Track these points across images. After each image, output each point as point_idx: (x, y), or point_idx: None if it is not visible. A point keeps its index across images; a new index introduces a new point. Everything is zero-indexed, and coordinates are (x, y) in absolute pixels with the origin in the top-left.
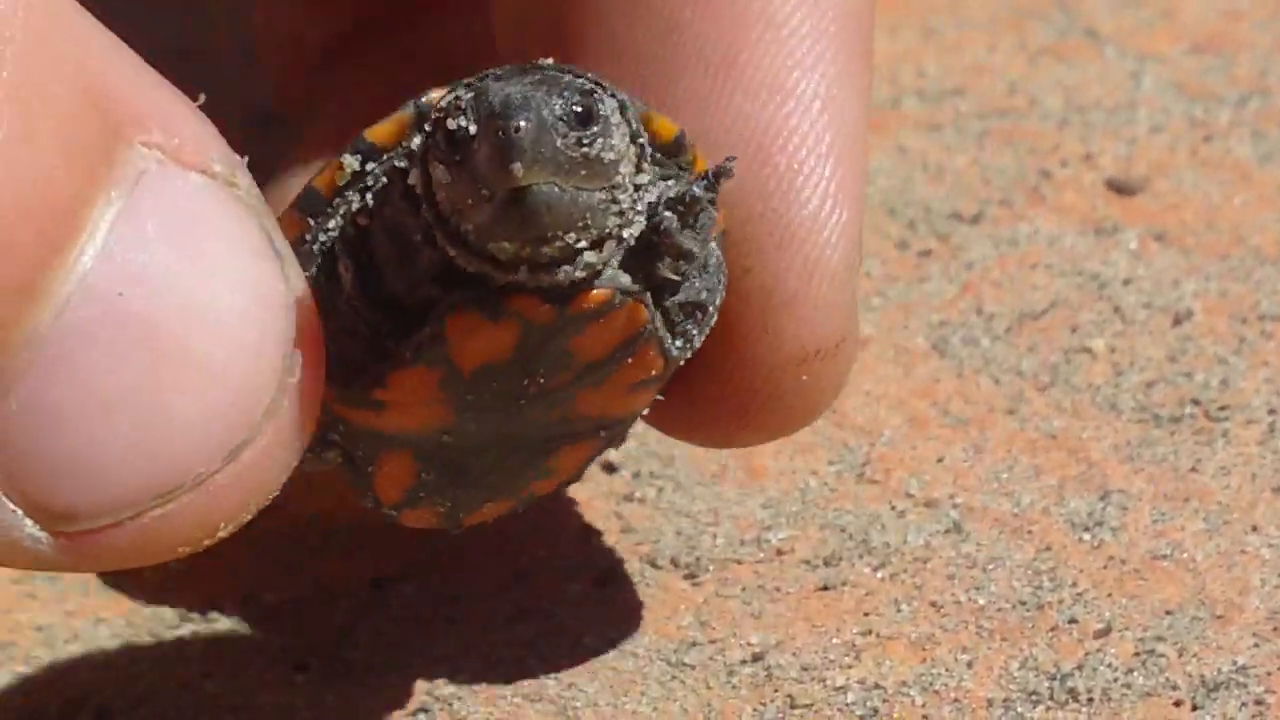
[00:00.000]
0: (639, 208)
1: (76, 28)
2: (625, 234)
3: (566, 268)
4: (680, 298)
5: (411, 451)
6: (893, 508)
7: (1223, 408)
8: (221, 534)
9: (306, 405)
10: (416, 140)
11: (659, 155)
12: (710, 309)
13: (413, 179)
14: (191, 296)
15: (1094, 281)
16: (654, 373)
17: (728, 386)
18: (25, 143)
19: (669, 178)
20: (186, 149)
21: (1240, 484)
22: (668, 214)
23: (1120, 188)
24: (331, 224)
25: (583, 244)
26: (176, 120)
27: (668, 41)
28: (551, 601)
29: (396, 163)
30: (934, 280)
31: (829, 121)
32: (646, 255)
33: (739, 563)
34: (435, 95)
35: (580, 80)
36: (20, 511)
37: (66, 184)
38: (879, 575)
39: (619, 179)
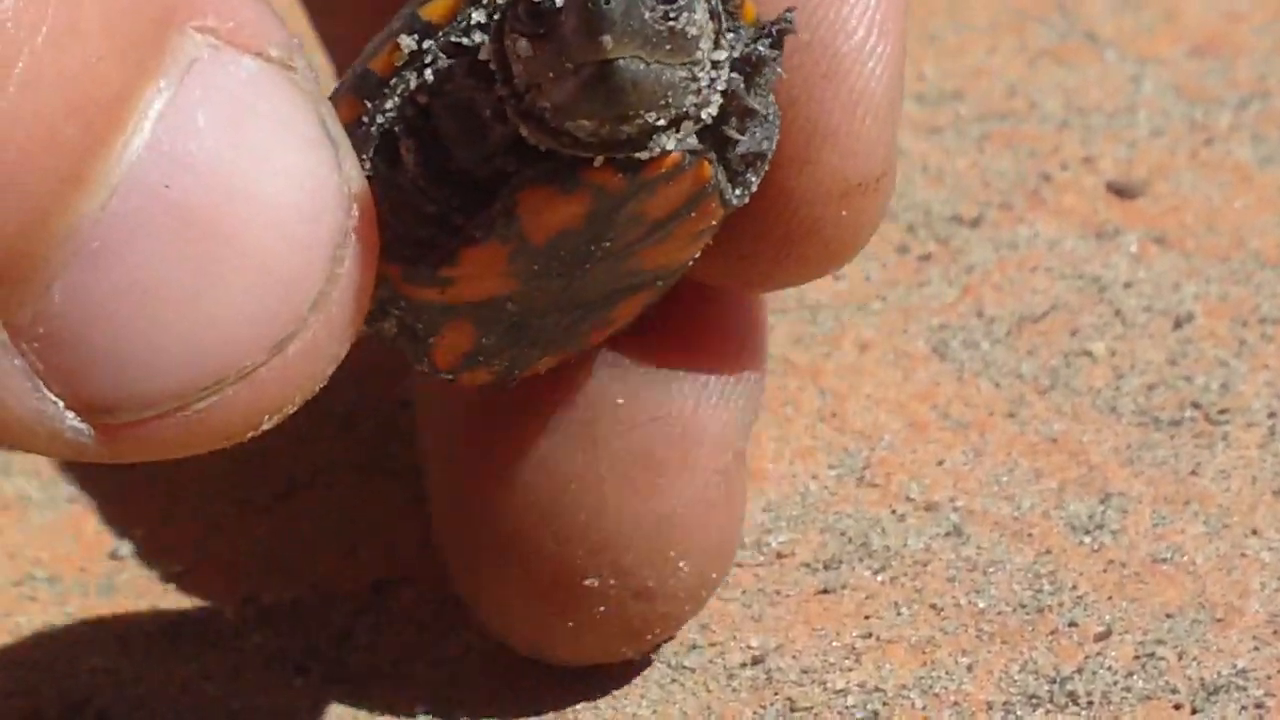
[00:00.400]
0: (718, 85)
1: None
2: (703, 114)
3: (643, 152)
4: (742, 149)
5: (473, 319)
6: (893, 511)
7: (1223, 411)
8: (266, 425)
9: (356, 298)
10: (476, 14)
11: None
12: (769, 155)
13: (484, 54)
14: (240, 188)
15: (1094, 285)
16: (714, 222)
17: (768, 219)
18: (70, 36)
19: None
20: (243, 32)
21: (1240, 487)
22: (734, 74)
23: (1120, 191)
24: (389, 104)
25: (661, 122)
26: (232, 2)
27: None
28: None
29: (455, 38)
30: (934, 284)
31: None
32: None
33: (739, 566)
34: None
35: None
36: (61, 403)
37: (114, 75)
38: (879, 578)
39: (699, 55)
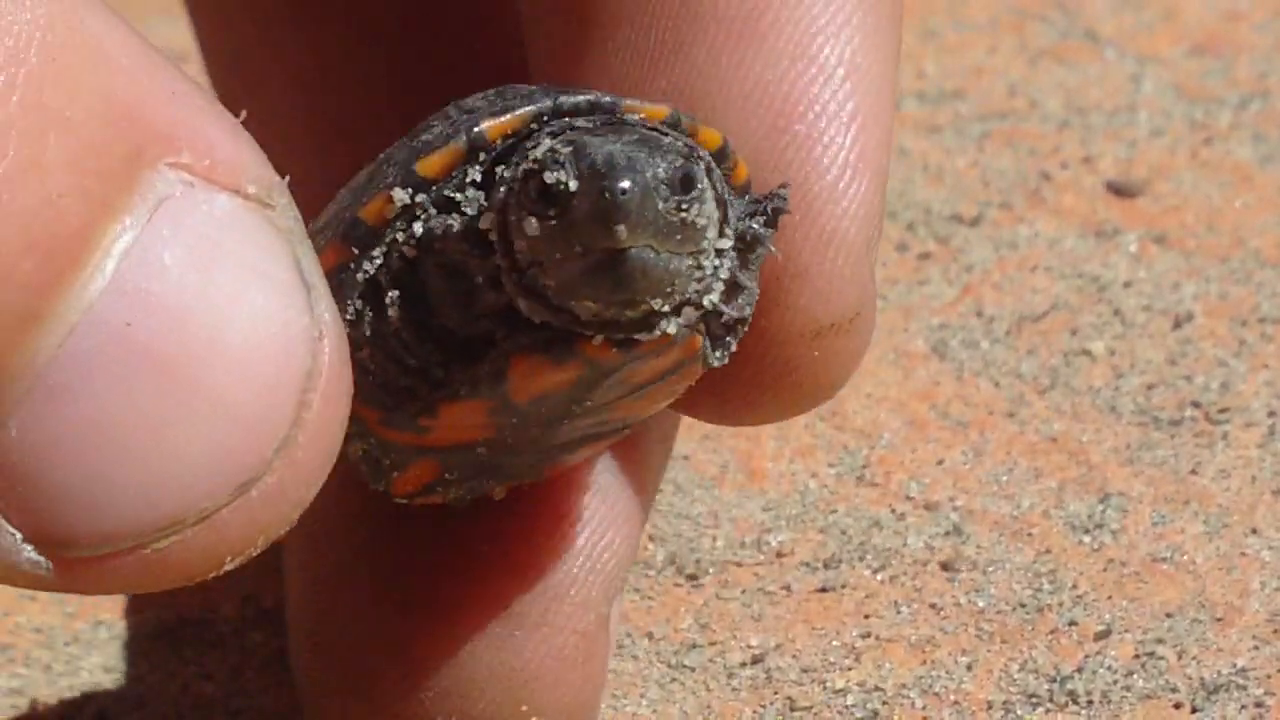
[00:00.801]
0: (720, 273)
1: (104, 44)
2: (705, 300)
3: (644, 333)
4: (725, 319)
5: (441, 459)
6: (892, 510)
7: (1223, 410)
8: (229, 566)
9: (325, 442)
10: (472, 172)
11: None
12: (749, 319)
13: (485, 223)
14: (204, 329)
15: (1094, 284)
16: (693, 381)
17: (742, 359)
18: (32, 171)
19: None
20: (218, 169)
21: (1240, 486)
22: (731, 252)
23: (1120, 190)
24: (377, 253)
25: (665, 309)
26: (210, 138)
27: (688, 4)
28: None
29: (448, 193)
30: (934, 283)
31: (852, 89)
32: None
33: (739, 565)
34: (488, 126)
35: (678, 142)
36: (19, 535)
37: (76, 212)
38: (879, 578)
39: (705, 245)
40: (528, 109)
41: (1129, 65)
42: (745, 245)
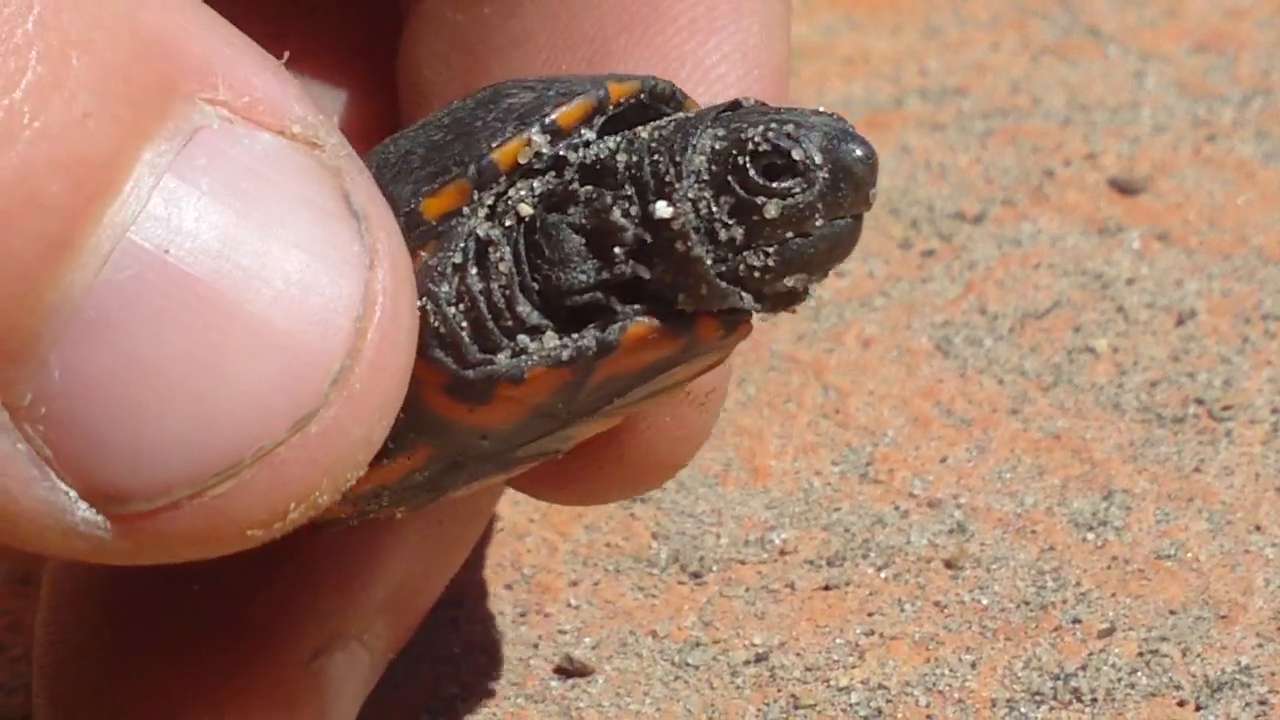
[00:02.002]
0: None
1: None
2: None
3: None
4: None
5: (437, 449)
6: (896, 508)
7: (1226, 407)
8: (294, 515)
9: (386, 376)
10: (589, 133)
11: None
12: None
13: (664, 212)
14: (247, 256)
15: (1097, 281)
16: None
17: (585, 442)
18: (54, 91)
19: None
20: (258, 108)
21: (1244, 484)
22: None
23: (1123, 187)
24: (491, 199)
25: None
26: (250, 77)
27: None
28: (554, 601)
29: (582, 153)
30: (937, 280)
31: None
32: None
33: (742, 563)
34: (612, 88)
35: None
36: (74, 493)
37: (104, 134)
38: (882, 575)
39: None
40: (633, 82)
41: (1132, 62)
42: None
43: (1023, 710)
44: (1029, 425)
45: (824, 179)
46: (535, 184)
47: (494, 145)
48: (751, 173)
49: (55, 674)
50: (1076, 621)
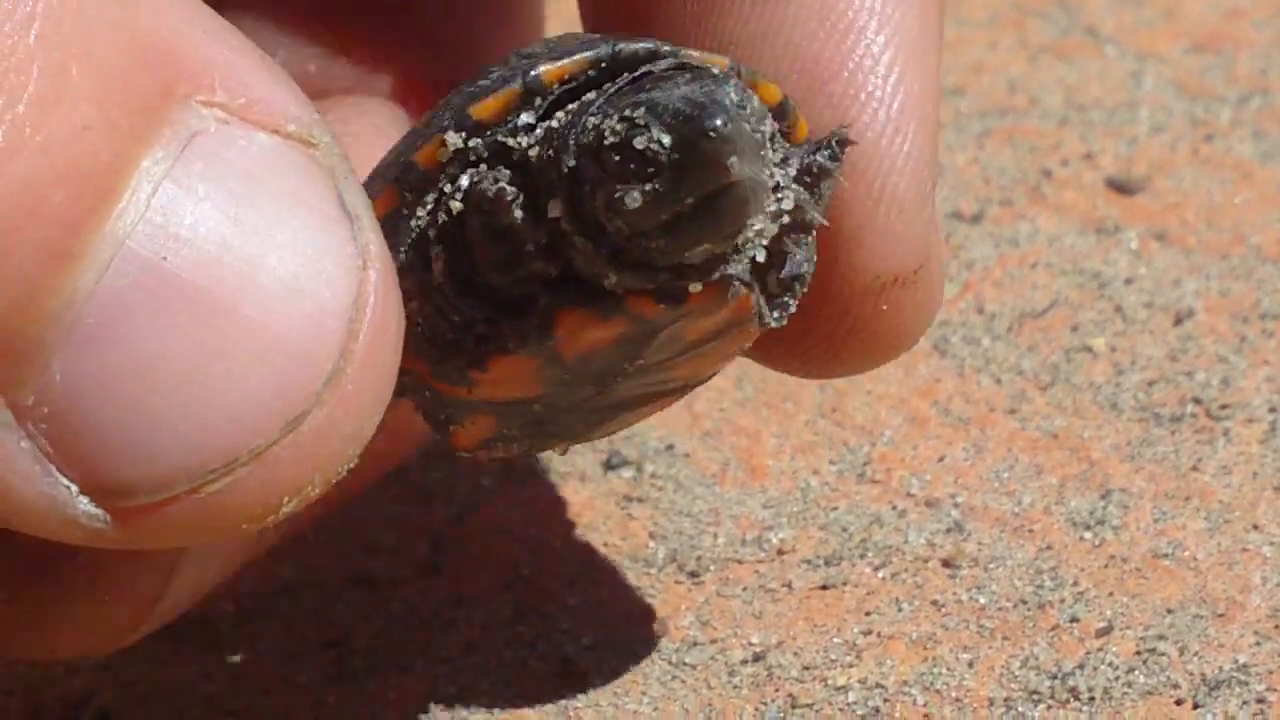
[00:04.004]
0: (787, 180)
1: None
2: (781, 206)
3: (744, 256)
4: (784, 273)
5: (496, 414)
6: (893, 507)
7: (1224, 406)
8: (287, 509)
9: (377, 375)
10: (525, 115)
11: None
12: (807, 278)
13: (556, 212)
14: (242, 260)
15: (1095, 281)
16: (750, 343)
17: (811, 320)
18: (56, 103)
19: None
20: (255, 108)
21: (1241, 482)
22: (797, 187)
23: (1121, 187)
24: (428, 199)
25: (759, 225)
26: (245, 78)
27: None
28: (551, 602)
29: (501, 138)
30: None
31: (887, 40)
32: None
33: (740, 562)
34: (544, 70)
35: (715, 70)
36: (75, 487)
37: (104, 144)
38: (880, 574)
39: (767, 153)
40: (586, 54)
41: (1129, 62)
42: (813, 178)
43: (1020, 709)
44: (1026, 424)
45: (675, 160)
46: (464, 179)
47: (417, 146)
48: (609, 166)
49: None
50: (1074, 620)
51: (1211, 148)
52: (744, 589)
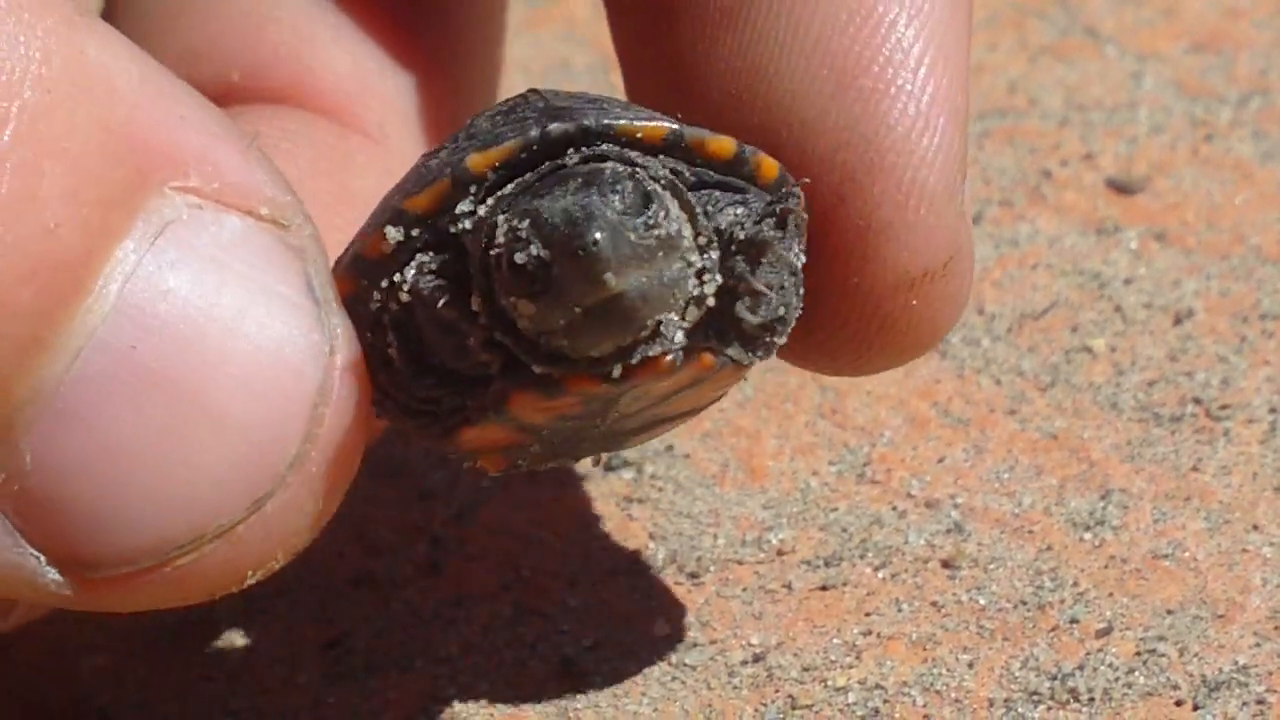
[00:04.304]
0: (709, 261)
1: (106, 73)
2: (704, 291)
3: (658, 343)
4: (757, 320)
5: (503, 452)
6: (893, 508)
7: (1224, 407)
8: (251, 580)
9: (341, 456)
10: (465, 205)
11: (718, 177)
12: (790, 318)
13: (476, 306)
14: (210, 349)
15: (1095, 281)
16: (743, 376)
17: (841, 315)
18: (28, 203)
19: (737, 191)
20: (229, 191)
21: (1241, 483)
22: (738, 258)
23: (1121, 187)
24: (383, 283)
25: (672, 316)
26: (219, 161)
27: None
28: (551, 603)
29: (442, 224)
30: None
31: (917, 33)
32: (725, 297)
33: (740, 563)
34: (471, 161)
35: (619, 166)
36: (43, 559)
37: (74, 240)
38: (880, 575)
39: (685, 242)
40: (510, 142)
41: (1129, 62)
42: (755, 249)
43: (1020, 710)
44: (1026, 425)
45: (560, 276)
46: (410, 270)
47: (364, 236)
48: (500, 275)
49: None
50: (1074, 621)
51: (1211, 148)
52: (744, 590)
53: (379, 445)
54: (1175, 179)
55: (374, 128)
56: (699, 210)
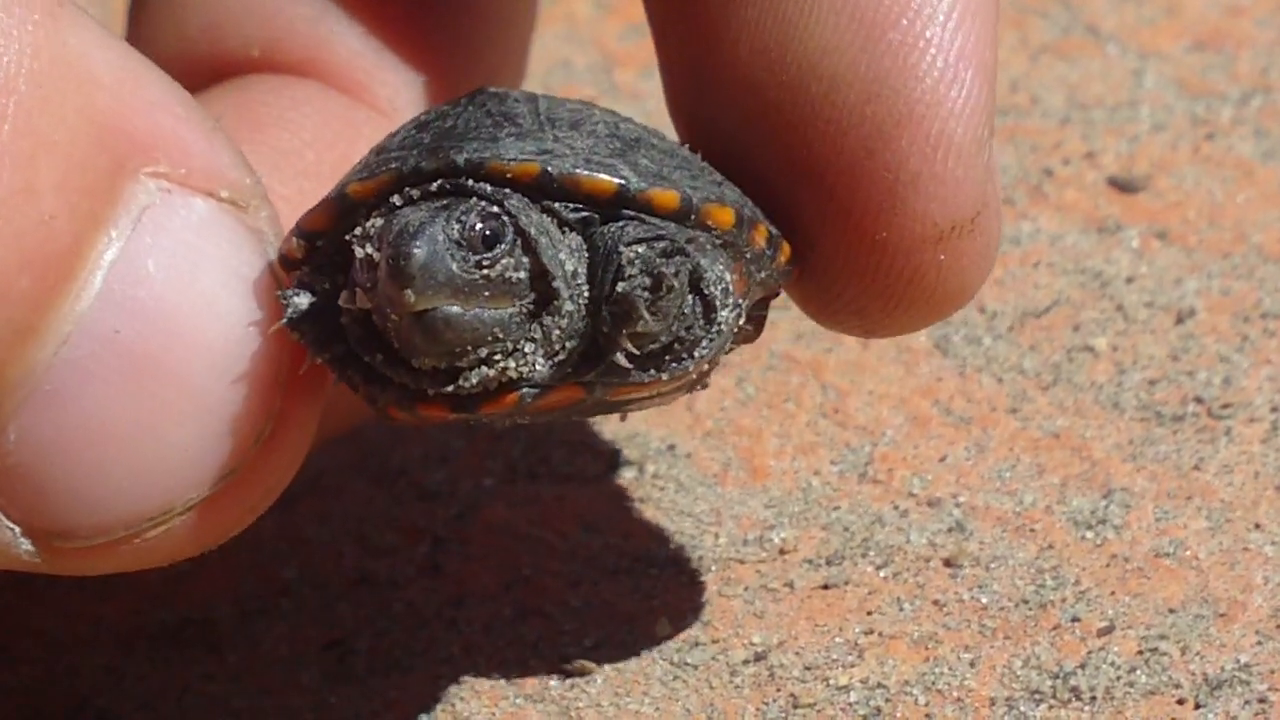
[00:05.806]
0: (579, 300)
1: (87, 62)
2: (568, 345)
3: (479, 373)
4: (639, 353)
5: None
6: (895, 507)
7: (1225, 406)
8: (211, 546)
9: (301, 431)
10: (361, 226)
11: (671, 225)
12: (703, 335)
13: (343, 300)
14: (187, 331)
15: (1096, 280)
16: (689, 378)
17: (869, 270)
18: (25, 195)
19: (690, 240)
20: (194, 175)
21: (1243, 482)
22: (612, 307)
23: (1122, 186)
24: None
25: (498, 356)
26: (186, 145)
27: None
28: (553, 602)
29: (347, 237)
30: None
31: None
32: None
33: (741, 562)
34: (351, 189)
35: (484, 203)
36: (18, 530)
37: (66, 230)
38: (881, 574)
39: (556, 288)
40: (385, 174)
41: (1131, 61)
42: (619, 308)
43: (1022, 709)
44: (1028, 424)
45: (378, 277)
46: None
47: (288, 235)
48: (355, 267)
49: None
50: (1075, 620)
51: (1213, 146)
52: (745, 589)
53: (379, 447)
54: (1177, 177)
55: (384, 102)
56: (584, 249)
